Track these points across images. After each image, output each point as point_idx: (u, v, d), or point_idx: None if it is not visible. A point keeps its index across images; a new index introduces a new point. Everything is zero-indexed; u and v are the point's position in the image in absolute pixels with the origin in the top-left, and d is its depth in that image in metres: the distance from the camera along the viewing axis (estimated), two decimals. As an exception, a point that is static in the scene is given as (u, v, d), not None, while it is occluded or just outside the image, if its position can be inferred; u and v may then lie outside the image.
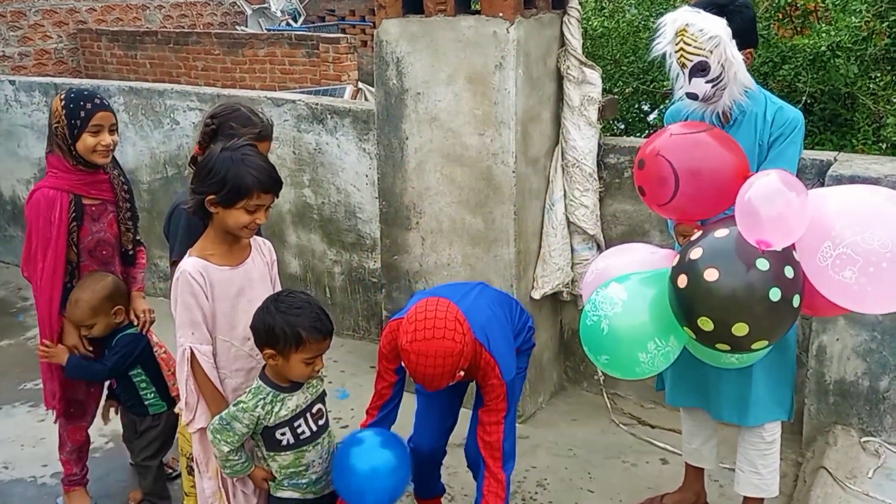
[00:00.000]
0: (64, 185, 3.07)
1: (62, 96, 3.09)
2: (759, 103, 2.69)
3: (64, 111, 3.03)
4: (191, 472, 2.90)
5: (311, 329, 2.38)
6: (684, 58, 2.57)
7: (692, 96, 2.64)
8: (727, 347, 2.15)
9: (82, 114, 3.03)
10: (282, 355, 2.39)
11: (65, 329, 3.14)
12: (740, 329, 2.07)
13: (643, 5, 4.92)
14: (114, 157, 3.24)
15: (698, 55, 2.54)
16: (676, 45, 2.59)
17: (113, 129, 3.10)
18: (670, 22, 2.60)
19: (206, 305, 2.46)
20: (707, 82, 2.58)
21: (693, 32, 2.53)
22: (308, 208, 4.84)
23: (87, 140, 3.04)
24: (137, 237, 3.33)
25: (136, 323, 3.23)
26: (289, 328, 2.36)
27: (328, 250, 4.86)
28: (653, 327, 2.35)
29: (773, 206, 2.05)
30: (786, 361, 2.80)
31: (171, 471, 3.59)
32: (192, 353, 2.46)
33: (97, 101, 3.08)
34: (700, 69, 2.56)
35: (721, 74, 2.55)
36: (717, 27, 2.52)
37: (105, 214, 3.18)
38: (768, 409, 2.80)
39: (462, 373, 2.44)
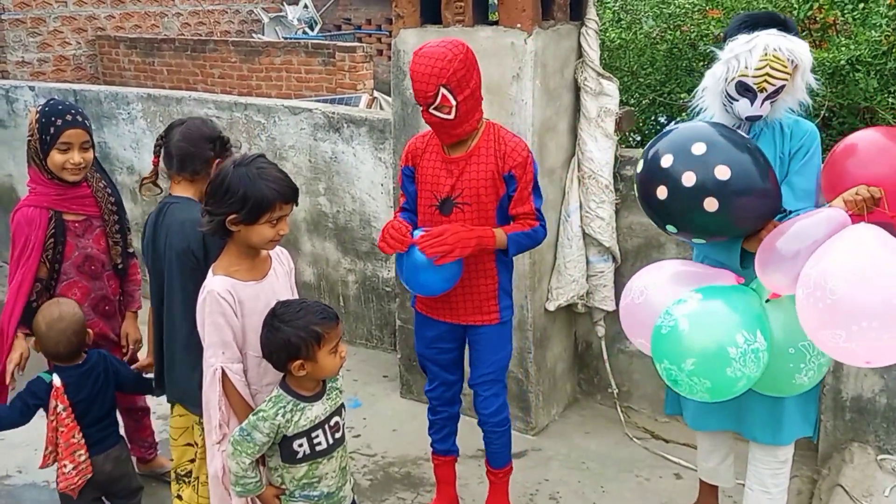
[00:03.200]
0: (43, 202, 3.01)
1: (38, 109, 3.01)
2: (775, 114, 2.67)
3: (37, 125, 2.97)
4: (177, 479, 2.94)
5: (322, 322, 2.38)
6: (768, 82, 2.50)
7: (756, 118, 2.58)
8: None
9: (52, 130, 2.95)
10: (309, 360, 2.38)
11: (14, 343, 3.02)
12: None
13: (661, 17, 4.90)
14: (100, 167, 3.21)
15: (781, 79, 2.50)
16: (760, 69, 2.49)
17: (86, 147, 3.02)
18: (759, 45, 2.50)
19: (235, 324, 2.43)
20: (770, 101, 2.55)
21: (782, 56, 2.48)
22: (323, 217, 4.85)
23: (55, 157, 2.97)
24: (129, 250, 3.27)
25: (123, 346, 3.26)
26: (303, 332, 2.35)
27: (343, 259, 4.86)
28: (738, 319, 2.31)
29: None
30: None
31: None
32: (224, 372, 2.44)
33: (69, 117, 2.98)
34: (777, 92, 2.53)
35: (781, 92, 2.54)
36: (803, 48, 2.50)
37: (90, 230, 3.13)
38: (798, 426, 2.76)
39: (450, 96, 2.69)
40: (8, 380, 3.05)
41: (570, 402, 4.24)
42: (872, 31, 3.99)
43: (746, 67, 2.50)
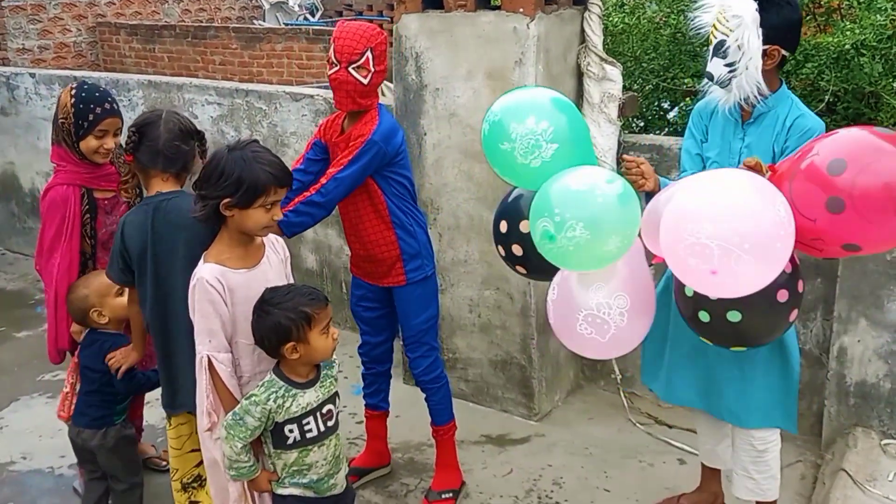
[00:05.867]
0: (76, 180, 3.07)
1: (72, 91, 3.04)
2: (784, 105, 2.64)
3: (73, 109, 3.00)
4: (184, 489, 2.86)
5: (311, 302, 2.39)
6: (713, 35, 2.58)
7: (709, 76, 2.63)
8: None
9: (91, 117, 3.00)
10: (301, 342, 2.38)
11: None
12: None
13: (664, 2, 4.87)
14: (121, 145, 3.20)
15: (722, 33, 2.54)
16: (713, 21, 2.59)
17: (118, 133, 3.08)
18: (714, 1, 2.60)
19: (224, 312, 2.42)
20: (725, 65, 2.56)
21: (724, 9, 2.53)
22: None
23: (90, 142, 3.03)
24: None
25: None
26: (292, 313, 2.36)
27: (345, 246, 4.82)
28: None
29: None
30: (789, 371, 2.74)
31: (164, 463, 3.59)
32: (210, 361, 2.44)
33: (107, 105, 3.04)
34: (719, 48, 2.56)
35: (737, 60, 2.54)
36: (743, 8, 2.51)
37: (117, 207, 3.18)
38: (767, 414, 2.75)
39: (371, 63, 2.91)
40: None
41: (574, 388, 4.24)
42: (877, 16, 3.97)
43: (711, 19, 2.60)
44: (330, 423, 2.53)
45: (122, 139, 2.88)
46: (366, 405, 3.52)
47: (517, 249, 2.52)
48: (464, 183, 3.80)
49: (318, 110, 4.71)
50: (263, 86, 5.43)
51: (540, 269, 2.41)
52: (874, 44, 3.97)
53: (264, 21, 11.89)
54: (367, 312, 3.35)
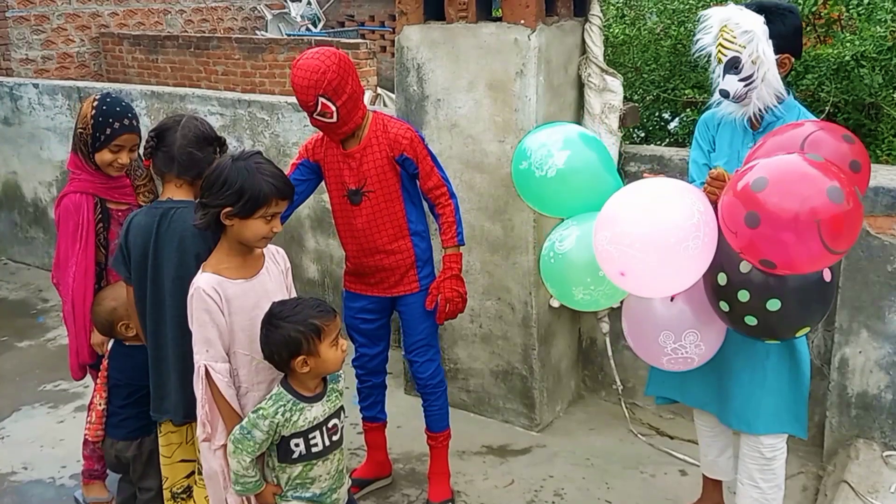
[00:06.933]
0: (89, 189, 3.09)
1: (94, 102, 3.04)
2: (792, 114, 2.67)
3: (92, 121, 3.01)
4: (174, 498, 2.85)
5: (320, 315, 2.39)
6: (721, 53, 2.61)
7: (724, 93, 2.66)
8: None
9: (108, 131, 3.01)
10: (312, 355, 2.37)
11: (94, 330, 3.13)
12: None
13: (665, 13, 4.89)
14: (140, 157, 3.23)
15: (733, 50, 2.58)
16: (717, 40, 2.63)
17: (134, 148, 3.09)
18: (714, 17, 2.65)
19: (221, 322, 2.42)
20: (740, 80, 2.60)
21: (731, 27, 2.57)
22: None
23: (104, 155, 3.04)
24: None
25: None
26: (302, 326, 2.35)
27: (346, 255, 4.86)
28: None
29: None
30: (799, 376, 2.75)
31: None
32: (207, 370, 2.43)
33: (126, 121, 3.04)
34: (733, 66, 2.60)
35: (753, 74, 2.58)
36: (752, 22, 2.55)
37: None
38: (777, 419, 2.75)
39: (329, 103, 2.88)
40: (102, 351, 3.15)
41: (575, 398, 4.23)
42: (877, 27, 3.99)
43: (713, 39, 2.66)
44: (335, 438, 2.53)
45: (142, 144, 2.88)
46: (364, 418, 3.52)
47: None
48: (465, 193, 3.81)
49: (320, 121, 4.71)
50: (266, 96, 5.45)
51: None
52: (874, 55, 3.99)
53: (266, 32, 11.92)
54: (366, 325, 3.34)
